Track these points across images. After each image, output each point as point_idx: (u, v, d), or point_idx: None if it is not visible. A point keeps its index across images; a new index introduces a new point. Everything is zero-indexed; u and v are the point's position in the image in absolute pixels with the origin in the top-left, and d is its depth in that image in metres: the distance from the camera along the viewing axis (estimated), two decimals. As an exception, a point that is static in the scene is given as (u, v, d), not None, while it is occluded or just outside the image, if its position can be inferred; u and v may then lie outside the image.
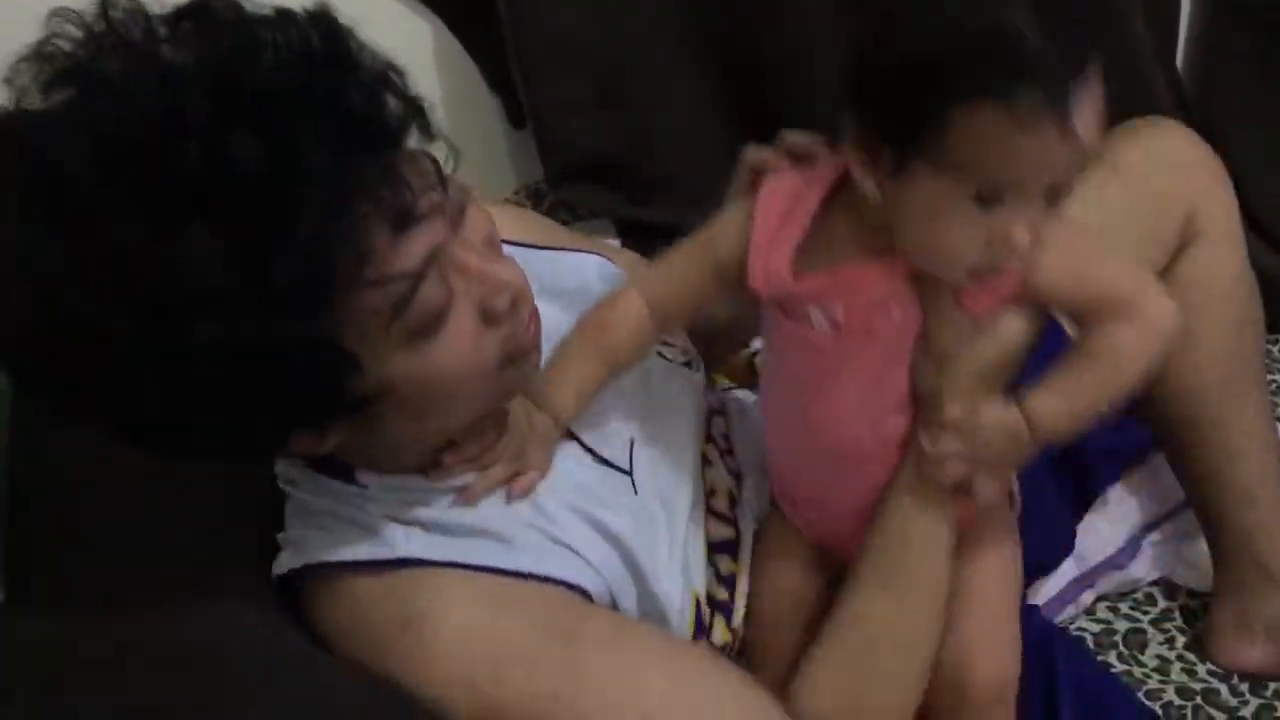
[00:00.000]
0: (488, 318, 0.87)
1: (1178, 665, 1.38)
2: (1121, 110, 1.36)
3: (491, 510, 0.95)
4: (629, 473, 1.02)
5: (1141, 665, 1.39)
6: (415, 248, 0.81)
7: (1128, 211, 1.25)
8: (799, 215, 0.91)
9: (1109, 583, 1.45)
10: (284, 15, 0.78)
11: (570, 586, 0.93)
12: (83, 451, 1.03)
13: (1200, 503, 1.35)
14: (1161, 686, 1.36)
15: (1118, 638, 1.42)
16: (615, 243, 1.64)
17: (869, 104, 0.83)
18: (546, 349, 0.97)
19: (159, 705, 0.80)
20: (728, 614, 1.03)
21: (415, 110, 0.82)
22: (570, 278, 1.11)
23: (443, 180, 0.84)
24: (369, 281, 0.78)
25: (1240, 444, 1.30)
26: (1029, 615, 1.03)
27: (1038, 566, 1.31)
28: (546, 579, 0.93)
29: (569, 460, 1.00)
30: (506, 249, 0.93)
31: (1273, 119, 1.79)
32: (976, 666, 0.97)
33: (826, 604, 0.99)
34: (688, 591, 1.00)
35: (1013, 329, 0.89)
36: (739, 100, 1.76)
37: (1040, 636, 1.12)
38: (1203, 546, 1.40)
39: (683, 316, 1.03)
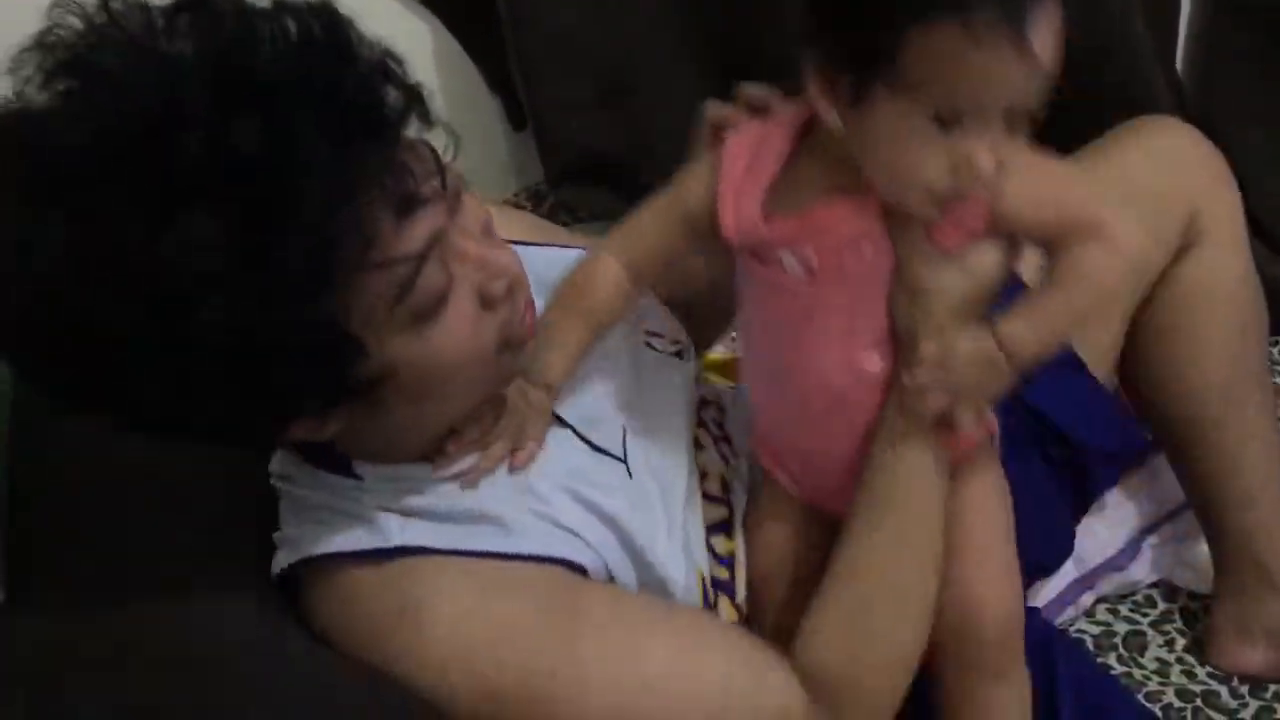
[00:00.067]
0: (486, 302, 0.88)
1: (1177, 667, 1.38)
2: (1121, 110, 1.37)
3: (488, 495, 0.95)
4: (623, 460, 1.03)
5: (1141, 667, 1.39)
6: (418, 231, 0.82)
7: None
8: (765, 162, 0.91)
9: (1109, 584, 1.45)
10: (283, 6, 0.79)
11: (568, 564, 0.94)
12: (83, 451, 1.03)
13: (1201, 504, 1.36)
14: (1161, 688, 1.36)
15: (1117, 639, 1.42)
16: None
17: (826, 32, 0.84)
18: None
19: (159, 705, 0.80)
20: (730, 592, 1.04)
21: (415, 98, 0.83)
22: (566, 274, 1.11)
23: (441, 168, 0.85)
24: (373, 265, 0.79)
25: (1241, 445, 1.30)
26: (1029, 617, 1.02)
27: (1037, 568, 1.31)
28: (544, 559, 0.93)
29: (564, 446, 1.01)
30: None
31: (1273, 119, 1.79)
32: (983, 605, 0.97)
33: (823, 561, 0.99)
34: (692, 571, 1.01)
35: (985, 261, 0.89)
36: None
37: (1040, 639, 1.12)
38: (1202, 549, 1.40)
39: (656, 273, 1.03)
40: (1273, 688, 1.34)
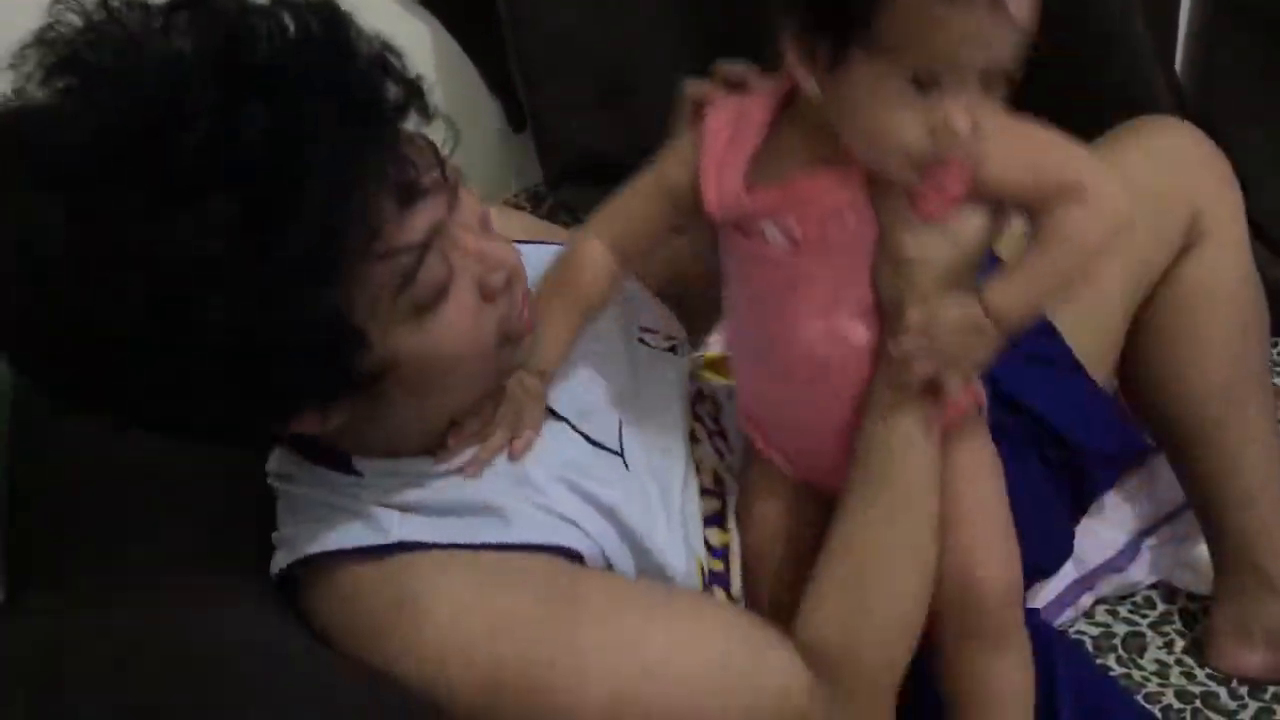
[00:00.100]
0: (485, 294, 0.89)
1: (1176, 669, 1.38)
2: (1121, 110, 1.37)
3: (487, 487, 0.96)
4: (620, 453, 1.03)
5: (1140, 668, 1.39)
6: (419, 221, 0.83)
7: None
8: (746, 135, 0.92)
9: (1108, 585, 1.45)
10: (281, 2, 0.79)
11: (566, 552, 0.94)
12: (83, 451, 1.03)
13: (1201, 505, 1.36)
14: (1160, 690, 1.36)
15: (1117, 641, 1.42)
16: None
17: None
18: None
19: (159, 705, 0.80)
20: (725, 584, 1.04)
21: (414, 92, 0.83)
22: None
23: (440, 161, 0.86)
24: (377, 254, 0.80)
25: (1242, 446, 1.30)
26: (1028, 618, 1.02)
27: (1036, 570, 1.30)
28: (542, 547, 0.94)
29: (560, 438, 1.01)
30: None
31: (1272, 119, 1.79)
32: (982, 572, 0.97)
33: (818, 538, 0.99)
34: (691, 560, 1.01)
35: (968, 228, 0.89)
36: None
37: (1039, 640, 1.12)
38: (1202, 550, 1.40)
39: (641, 253, 1.03)
40: (1272, 689, 1.34)
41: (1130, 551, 1.46)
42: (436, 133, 0.87)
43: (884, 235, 0.89)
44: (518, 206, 1.85)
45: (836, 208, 0.89)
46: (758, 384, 1.03)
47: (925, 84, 0.80)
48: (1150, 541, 1.47)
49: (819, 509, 1.01)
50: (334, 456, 0.96)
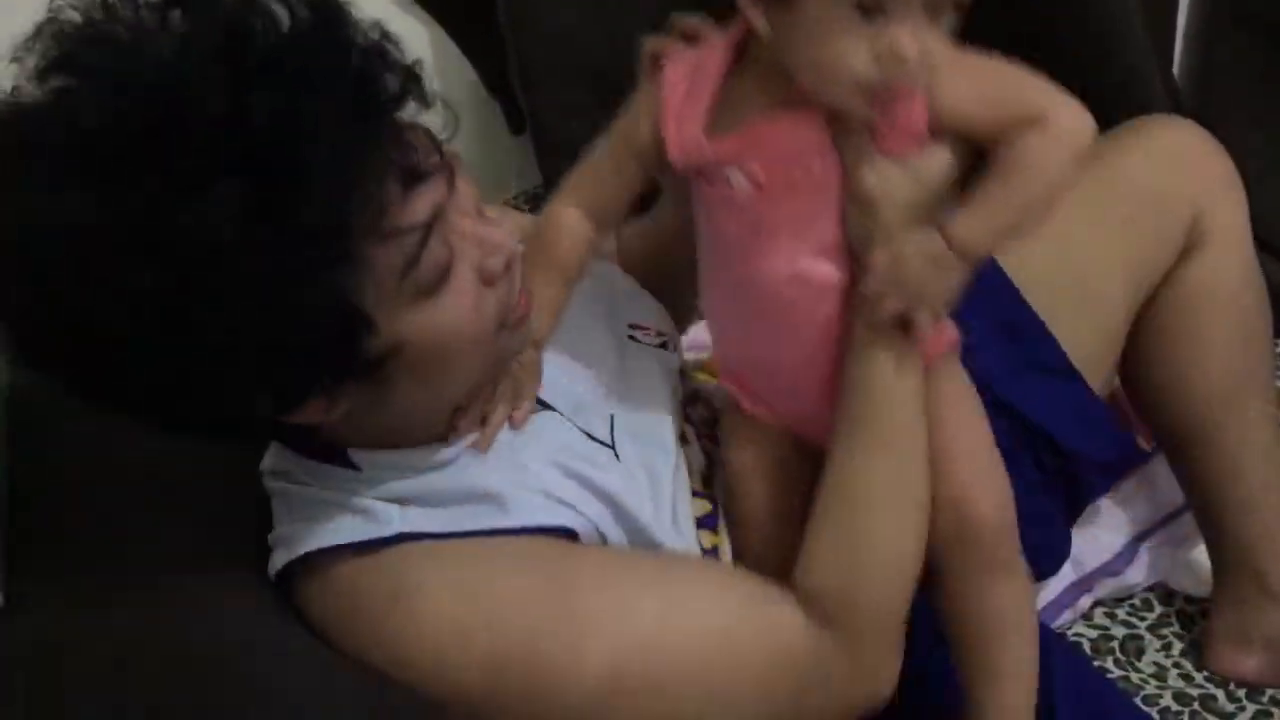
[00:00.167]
0: (484, 279, 0.90)
1: (1174, 671, 1.38)
2: (1121, 110, 1.37)
3: (484, 473, 0.96)
4: (611, 446, 1.03)
5: (1138, 671, 1.39)
6: (422, 203, 0.84)
7: (1127, 214, 1.25)
8: (704, 84, 0.93)
9: (1106, 588, 1.45)
10: None
11: (564, 532, 0.95)
12: (83, 451, 1.03)
13: (1202, 508, 1.36)
14: (1158, 692, 1.36)
15: (1115, 643, 1.42)
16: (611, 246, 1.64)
17: None
18: None
19: (159, 705, 0.80)
20: None
21: (412, 78, 0.84)
22: None
23: (439, 146, 0.87)
24: (384, 234, 0.81)
25: (1243, 449, 1.30)
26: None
27: (1034, 573, 1.31)
28: (539, 529, 0.94)
29: (553, 424, 1.02)
30: None
31: (1271, 120, 1.79)
32: (977, 500, 0.97)
33: (805, 490, 0.99)
34: (692, 547, 1.02)
35: (932, 164, 0.89)
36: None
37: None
38: (1199, 552, 1.40)
39: (617, 214, 1.04)
40: (1270, 692, 1.34)
41: (1128, 554, 1.46)
42: (434, 125, 0.88)
43: (848, 175, 0.90)
44: (517, 208, 1.85)
45: (798, 150, 0.90)
46: (725, 325, 1.04)
47: (870, 10, 0.81)
48: (1148, 544, 1.48)
49: (802, 463, 1.01)
50: (330, 451, 0.96)
